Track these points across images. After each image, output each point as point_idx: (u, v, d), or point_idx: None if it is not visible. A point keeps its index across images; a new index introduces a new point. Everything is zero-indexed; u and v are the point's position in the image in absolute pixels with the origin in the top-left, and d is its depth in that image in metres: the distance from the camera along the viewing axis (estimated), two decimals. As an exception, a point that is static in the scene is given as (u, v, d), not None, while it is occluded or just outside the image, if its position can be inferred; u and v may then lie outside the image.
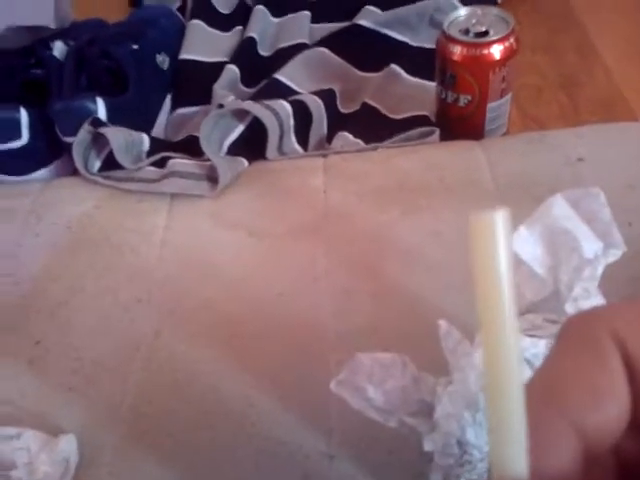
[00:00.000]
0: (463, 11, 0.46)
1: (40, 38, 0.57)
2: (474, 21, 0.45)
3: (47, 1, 0.52)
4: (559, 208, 0.28)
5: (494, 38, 0.45)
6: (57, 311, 0.41)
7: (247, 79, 0.60)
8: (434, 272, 0.38)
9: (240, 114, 0.48)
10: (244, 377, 0.36)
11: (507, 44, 0.45)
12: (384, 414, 0.27)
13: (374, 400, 0.26)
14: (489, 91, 0.46)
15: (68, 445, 0.34)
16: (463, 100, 0.46)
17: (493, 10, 0.47)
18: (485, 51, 0.45)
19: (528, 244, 0.29)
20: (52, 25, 0.53)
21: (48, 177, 0.53)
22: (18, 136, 0.52)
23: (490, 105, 0.46)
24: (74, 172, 0.53)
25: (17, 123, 0.51)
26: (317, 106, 0.51)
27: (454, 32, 0.45)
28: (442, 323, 0.25)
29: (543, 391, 0.15)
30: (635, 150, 0.44)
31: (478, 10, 0.47)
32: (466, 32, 0.45)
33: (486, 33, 0.45)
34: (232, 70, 0.59)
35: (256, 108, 0.46)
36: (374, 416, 0.26)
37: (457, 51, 0.45)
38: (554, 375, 0.15)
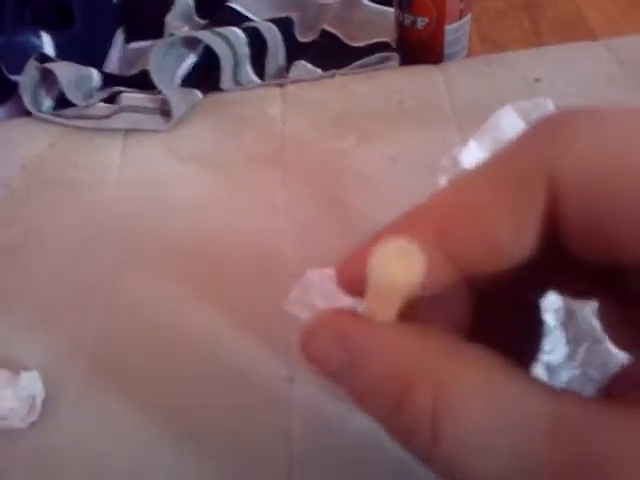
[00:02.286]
0: None
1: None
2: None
3: None
4: (508, 119, 0.27)
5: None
6: (14, 252, 0.41)
7: (201, 9, 0.58)
8: (391, 197, 0.38)
9: (191, 43, 0.46)
10: (204, 308, 0.36)
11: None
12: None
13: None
14: (446, 12, 0.44)
15: (32, 382, 0.34)
16: (420, 22, 0.45)
17: None
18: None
19: (476, 156, 0.28)
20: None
21: (0, 118, 0.51)
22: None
23: (448, 27, 0.45)
24: (27, 113, 0.51)
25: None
26: (272, 34, 0.49)
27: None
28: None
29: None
30: (593, 69, 0.44)
31: None
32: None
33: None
34: (185, 1, 0.57)
35: (207, 36, 0.45)
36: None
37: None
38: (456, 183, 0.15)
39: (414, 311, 0.15)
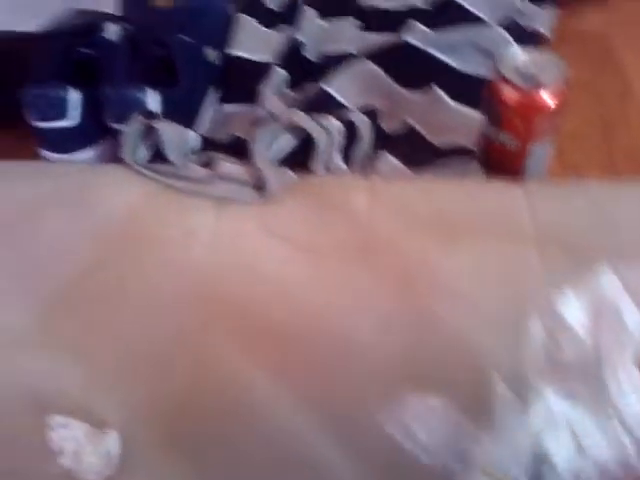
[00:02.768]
0: (518, 52, 0.48)
1: (94, 18, 0.57)
2: (528, 64, 0.47)
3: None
4: (605, 278, 0.30)
5: (546, 84, 0.46)
6: (104, 301, 0.43)
7: (293, 82, 0.61)
8: (472, 308, 0.40)
9: (293, 129, 0.49)
10: (281, 390, 0.38)
11: (558, 91, 0.47)
12: (428, 454, 0.29)
13: (419, 439, 0.29)
14: (535, 135, 0.47)
15: (112, 439, 0.36)
16: (508, 140, 0.48)
17: (547, 55, 0.49)
18: (537, 96, 0.46)
19: (573, 308, 0.31)
20: (114, 12, 0.53)
21: (92, 158, 0.54)
22: (66, 115, 0.52)
23: (534, 148, 0.48)
24: (117, 156, 0.54)
25: (66, 102, 0.52)
26: (366, 126, 0.52)
27: (507, 73, 0.46)
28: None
29: None
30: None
31: (532, 53, 0.48)
32: (519, 74, 0.46)
33: (538, 78, 0.46)
34: (280, 73, 0.60)
35: (310, 124, 0.48)
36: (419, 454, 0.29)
37: (508, 93, 0.46)
38: None
39: None
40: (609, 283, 0.29)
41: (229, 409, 0.38)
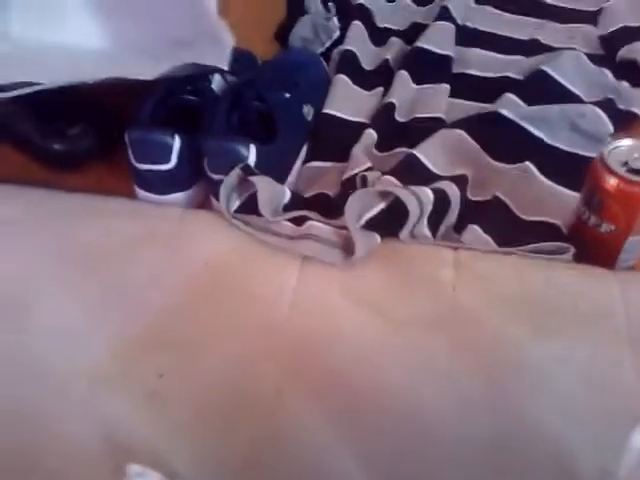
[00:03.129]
0: (625, 142, 0.47)
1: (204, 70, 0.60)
2: (635, 155, 0.46)
3: (226, 46, 0.55)
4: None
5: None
6: (186, 347, 0.44)
7: (382, 144, 0.62)
8: (561, 401, 0.39)
9: (384, 194, 0.50)
10: (350, 450, 0.37)
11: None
12: None
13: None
14: (635, 226, 0.46)
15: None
16: (605, 228, 0.47)
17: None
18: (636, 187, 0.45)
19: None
20: (227, 68, 0.56)
21: (184, 200, 0.56)
22: (168, 160, 0.55)
23: (631, 239, 0.47)
24: (208, 201, 0.56)
25: (170, 148, 0.55)
26: (455, 196, 0.52)
27: (612, 162, 0.46)
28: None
29: None
30: None
31: (633, 138, 0.47)
32: (624, 164, 0.46)
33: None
34: (371, 135, 0.61)
35: (403, 193, 0.48)
36: None
37: (612, 181, 0.45)
38: None
39: None
40: None
41: (297, 473, 0.37)
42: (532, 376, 0.40)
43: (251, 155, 0.54)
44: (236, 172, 0.52)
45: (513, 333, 0.43)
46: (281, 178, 0.57)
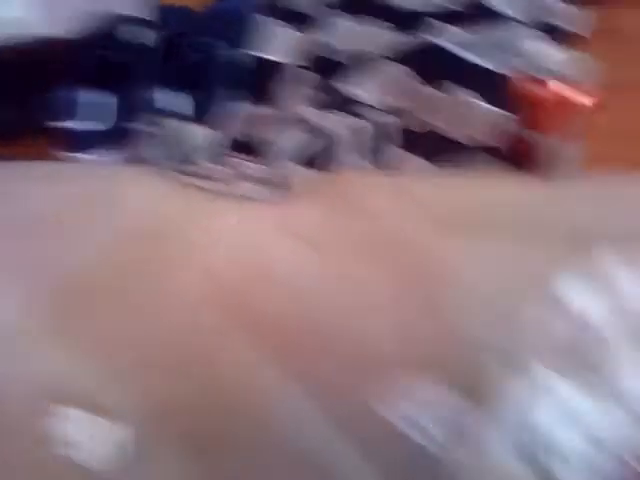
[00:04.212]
0: (549, 51, 0.47)
1: (123, 21, 0.58)
2: (559, 63, 0.46)
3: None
4: (606, 259, 0.28)
5: (577, 82, 0.45)
6: (123, 298, 0.43)
7: (318, 84, 0.61)
8: (492, 308, 0.39)
9: (312, 128, 0.49)
10: (292, 389, 0.37)
11: (589, 89, 0.45)
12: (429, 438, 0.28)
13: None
14: (566, 133, 0.46)
15: (123, 432, 0.36)
16: (539, 139, 0.47)
17: (579, 54, 0.47)
18: (568, 94, 0.45)
19: (573, 291, 0.29)
20: (139, 15, 0.54)
21: (119, 159, 0.55)
22: (99, 117, 0.54)
23: (565, 146, 0.47)
24: (144, 158, 0.55)
25: (99, 105, 0.53)
26: (387, 125, 0.52)
27: (537, 72, 0.45)
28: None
29: None
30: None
31: (564, 53, 0.47)
32: (549, 73, 0.45)
33: (570, 77, 0.45)
34: (304, 74, 0.60)
35: (329, 121, 0.48)
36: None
37: (538, 91, 0.45)
38: None
39: None
40: (610, 263, 0.28)
41: (242, 409, 0.37)
42: (467, 291, 0.41)
43: (187, 106, 0.53)
44: (167, 123, 0.51)
45: (448, 247, 0.43)
46: (217, 126, 0.56)
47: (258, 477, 0.34)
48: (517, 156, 0.49)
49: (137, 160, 0.54)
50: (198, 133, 0.51)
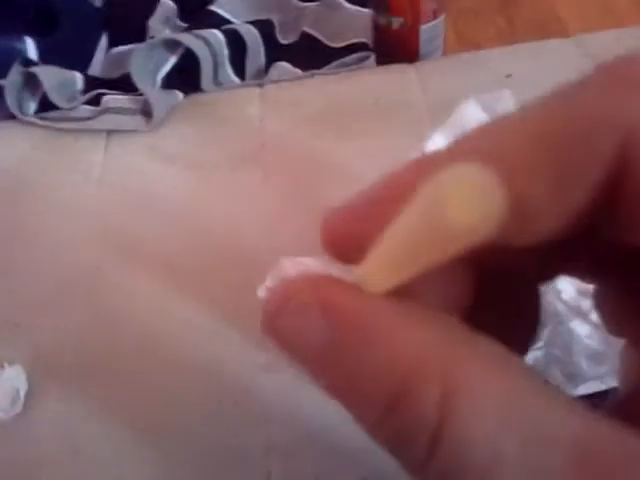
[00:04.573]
0: None
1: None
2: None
3: None
4: (471, 111, 0.28)
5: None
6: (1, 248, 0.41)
7: (184, 13, 0.59)
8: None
9: (172, 46, 0.47)
10: (185, 303, 0.37)
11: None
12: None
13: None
14: (421, 13, 0.46)
15: (16, 375, 0.35)
16: (396, 23, 0.46)
17: None
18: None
19: (439, 142, 0.29)
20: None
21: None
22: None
23: (423, 27, 0.46)
24: (9, 115, 0.52)
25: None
26: (252, 35, 0.50)
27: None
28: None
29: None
30: (563, 65, 0.45)
31: None
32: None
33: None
34: (167, 4, 0.58)
35: (187, 38, 0.46)
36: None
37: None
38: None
39: (404, 287, 0.11)
40: (474, 115, 0.28)
41: (127, 339, 0.36)
42: (341, 177, 0.40)
43: (30, 49, 0.50)
44: (16, 68, 0.48)
45: (319, 144, 0.42)
46: (80, 68, 0.53)
47: (146, 389, 0.34)
48: (384, 46, 0.48)
49: (3, 115, 0.51)
50: (53, 76, 0.48)
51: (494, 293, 0.14)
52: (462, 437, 0.10)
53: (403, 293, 0.11)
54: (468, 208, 0.09)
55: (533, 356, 0.27)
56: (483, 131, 0.12)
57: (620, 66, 0.11)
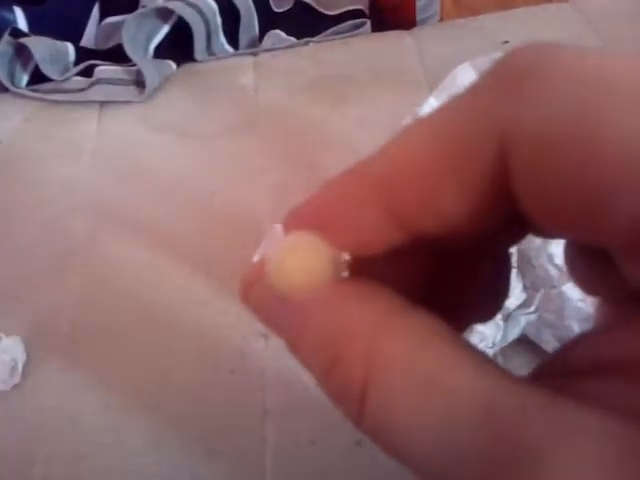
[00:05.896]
0: None
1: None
2: None
3: None
4: (465, 75, 0.28)
5: None
6: (-6, 224, 0.41)
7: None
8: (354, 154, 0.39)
9: (164, 15, 0.46)
10: (181, 273, 0.37)
11: None
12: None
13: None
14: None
15: (14, 346, 0.35)
16: (393, -10, 0.46)
17: None
18: None
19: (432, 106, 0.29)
20: None
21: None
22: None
23: (420, -7, 0.46)
24: (1, 87, 0.51)
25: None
26: (245, 3, 0.49)
27: None
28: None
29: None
30: (561, 30, 0.44)
31: None
32: None
33: None
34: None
35: (179, 6, 0.45)
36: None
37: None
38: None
39: (366, 267, 0.13)
40: (468, 78, 0.28)
41: (124, 309, 0.37)
42: (336, 145, 0.40)
43: (19, 20, 0.49)
44: (6, 39, 0.47)
45: (315, 112, 0.42)
46: (72, 38, 0.52)
47: (142, 358, 0.34)
48: (380, 14, 0.48)
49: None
50: (44, 47, 0.47)
51: (456, 266, 0.15)
52: (383, 400, 0.12)
53: (364, 272, 0.13)
54: (287, 271, 0.13)
55: (526, 320, 0.27)
56: (394, 145, 0.13)
57: (505, 61, 0.12)
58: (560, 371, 0.13)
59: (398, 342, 0.12)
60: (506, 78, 0.11)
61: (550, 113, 0.11)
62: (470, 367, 0.12)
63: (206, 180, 0.41)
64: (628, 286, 0.12)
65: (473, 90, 0.12)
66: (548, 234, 0.15)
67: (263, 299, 0.14)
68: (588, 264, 0.15)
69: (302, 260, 0.13)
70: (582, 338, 0.13)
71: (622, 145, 0.10)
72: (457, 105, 0.12)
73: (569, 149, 0.11)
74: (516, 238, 0.16)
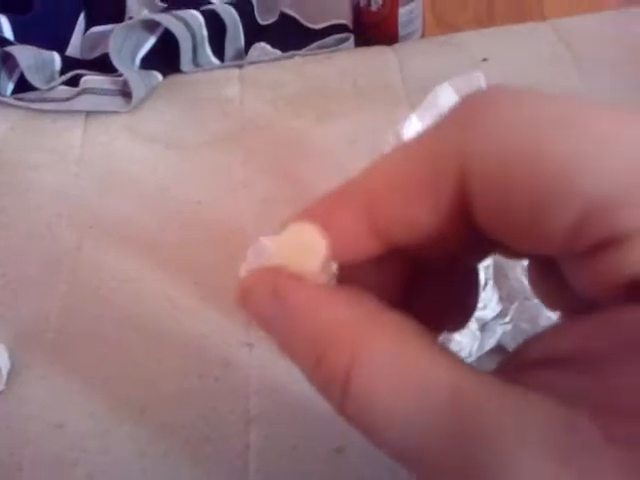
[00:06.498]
0: None
1: None
2: None
3: None
4: (445, 95, 0.29)
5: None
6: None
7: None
8: (347, 175, 0.39)
9: (151, 26, 0.47)
10: (167, 282, 0.38)
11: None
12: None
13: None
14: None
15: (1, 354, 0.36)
16: (374, 4, 0.47)
17: None
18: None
19: (417, 131, 0.30)
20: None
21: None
22: None
23: (401, 9, 0.47)
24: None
25: None
26: (231, 16, 0.50)
27: None
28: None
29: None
30: (539, 49, 0.46)
31: None
32: None
33: None
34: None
35: (166, 19, 0.46)
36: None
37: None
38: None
39: (352, 276, 0.16)
40: (448, 98, 0.29)
41: (109, 318, 0.37)
42: (320, 158, 0.41)
43: (5, 27, 0.49)
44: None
45: (299, 125, 0.43)
46: (58, 48, 0.53)
47: (128, 366, 0.34)
48: (363, 28, 0.49)
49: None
50: (30, 55, 0.48)
51: (431, 278, 0.17)
52: (363, 391, 0.14)
53: (349, 280, 0.16)
54: (289, 257, 0.15)
55: (502, 330, 0.28)
56: (376, 171, 0.16)
57: (462, 102, 0.15)
58: (519, 365, 0.15)
59: (379, 338, 0.14)
60: (465, 111, 0.14)
61: (495, 143, 0.13)
62: (441, 360, 0.14)
63: (191, 190, 0.41)
64: (577, 296, 0.14)
65: (440, 122, 0.15)
66: (508, 253, 0.17)
67: (258, 303, 0.16)
68: (546, 281, 0.17)
69: (302, 237, 0.15)
70: (538, 336, 0.15)
71: (554, 166, 0.13)
72: (426, 135, 0.15)
73: (512, 171, 0.13)
74: (481, 256, 0.18)
